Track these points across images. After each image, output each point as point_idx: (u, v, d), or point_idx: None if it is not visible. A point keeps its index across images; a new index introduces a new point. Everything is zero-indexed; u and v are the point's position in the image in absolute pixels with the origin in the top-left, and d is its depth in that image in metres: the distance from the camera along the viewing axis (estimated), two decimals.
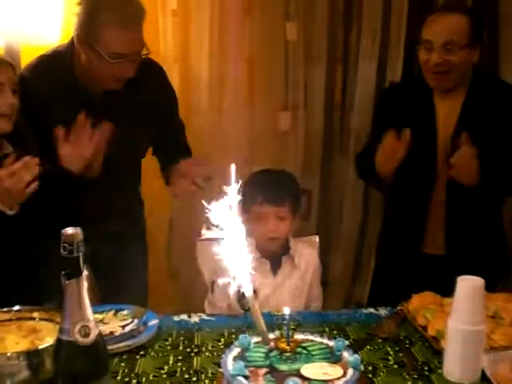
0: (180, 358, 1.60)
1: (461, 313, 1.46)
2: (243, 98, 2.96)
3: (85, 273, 1.17)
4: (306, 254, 2.26)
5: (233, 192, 1.33)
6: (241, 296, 2.07)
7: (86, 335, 1.17)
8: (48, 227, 1.81)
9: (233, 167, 1.33)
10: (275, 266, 2.20)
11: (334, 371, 1.34)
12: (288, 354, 1.40)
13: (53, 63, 2.12)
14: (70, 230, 1.14)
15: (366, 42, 2.95)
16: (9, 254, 1.85)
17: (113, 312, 1.75)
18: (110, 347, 1.43)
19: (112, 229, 1.98)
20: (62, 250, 1.14)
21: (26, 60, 2.29)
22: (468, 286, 1.45)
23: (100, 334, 1.21)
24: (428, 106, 2.36)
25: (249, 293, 1.38)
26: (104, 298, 2.00)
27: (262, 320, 1.41)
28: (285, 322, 1.43)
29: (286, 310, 1.44)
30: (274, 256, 2.20)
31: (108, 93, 2.10)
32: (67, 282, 1.15)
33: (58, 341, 1.19)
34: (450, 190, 2.31)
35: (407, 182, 2.31)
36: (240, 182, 1.34)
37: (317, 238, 2.38)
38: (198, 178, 2.15)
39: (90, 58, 2.02)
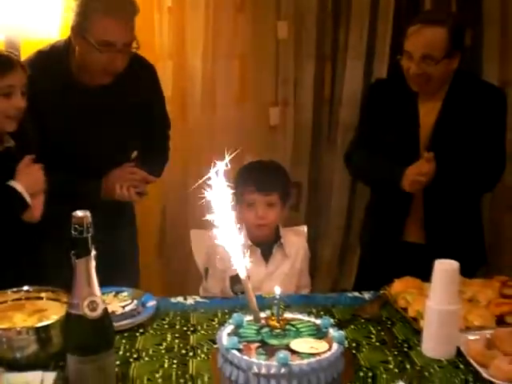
0: (177, 335, 1.71)
1: (437, 294, 1.58)
2: (235, 93, 3.05)
3: (93, 252, 1.28)
4: (296, 241, 2.37)
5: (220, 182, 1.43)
6: (233, 281, 2.20)
7: (94, 309, 1.28)
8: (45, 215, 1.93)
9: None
10: (267, 254, 2.31)
11: (321, 345, 1.45)
12: (278, 331, 1.51)
13: (50, 59, 2.19)
14: (80, 213, 1.25)
15: (353, 41, 3.05)
16: (10, 243, 1.93)
17: (113, 294, 1.87)
18: None
19: (100, 219, 2.06)
20: (72, 231, 1.24)
21: (25, 54, 2.36)
22: (444, 268, 1.58)
23: (106, 310, 1.32)
24: (410, 104, 2.45)
25: (243, 274, 1.49)
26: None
27: (254, 300, 1.52)
28: (275, 301, 1.54)
29: (277, 290, 1.55)
30: (264, 244, 2.31)
31: (102, 89, 2.19)
32: (77, 260, 1.26)
33: (68, 315, 1.30)
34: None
35: None
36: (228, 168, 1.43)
37: (305, 228, 2.47)
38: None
39: (82, 50, 2.11)
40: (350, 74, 3.08)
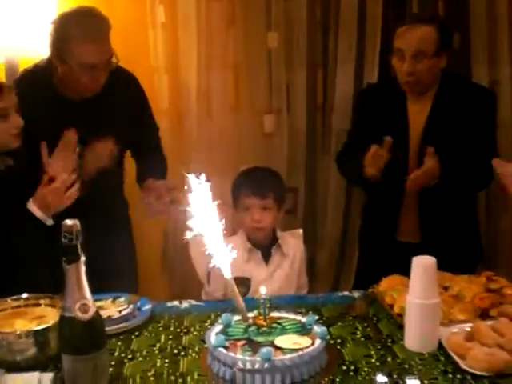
0: (171, 337, 1.79)
1: (416, 289, 1.65)
2: (230, 103, 3.12)
3: (82, 258, 1.36)
4: (293, 242, 2.46)
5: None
6: (236, 284, 2.28)
7: (85, 312, 1.36)
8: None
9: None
10: (266, 256, 2.39)
11: (304, 341, 1.53)
12: (264, 329, 1.59)
13: (35, 76, 2.31)
14: (69, 222, 1.33)
15: (343, 47, 3.10)
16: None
17: (111, 299, 1.95)
18: (108, 328, 1.59)
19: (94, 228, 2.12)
20: (62, 239, 1.32)
21: None
22: (421, 264, 1.64)
23: (97, 312, 1.40)
24: (401, 107, 2.53)
25: (228, 276, 1.57)
26: None
27: (240, 299, 1.60)
28: (262, 301, 1.62)
29: (263, 290, 1.62)
30: (264, 246, 2.40)
31: (86, 99, 2.28)
32: (68, 266, 1.34)
33: (61, 317, 1.38)
34: None
35: (383, 176, 2.43)
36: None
37: (301, 231, 2.55)
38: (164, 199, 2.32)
39: (65, 71, 2.21)
40: (341, 80, 3.13)
